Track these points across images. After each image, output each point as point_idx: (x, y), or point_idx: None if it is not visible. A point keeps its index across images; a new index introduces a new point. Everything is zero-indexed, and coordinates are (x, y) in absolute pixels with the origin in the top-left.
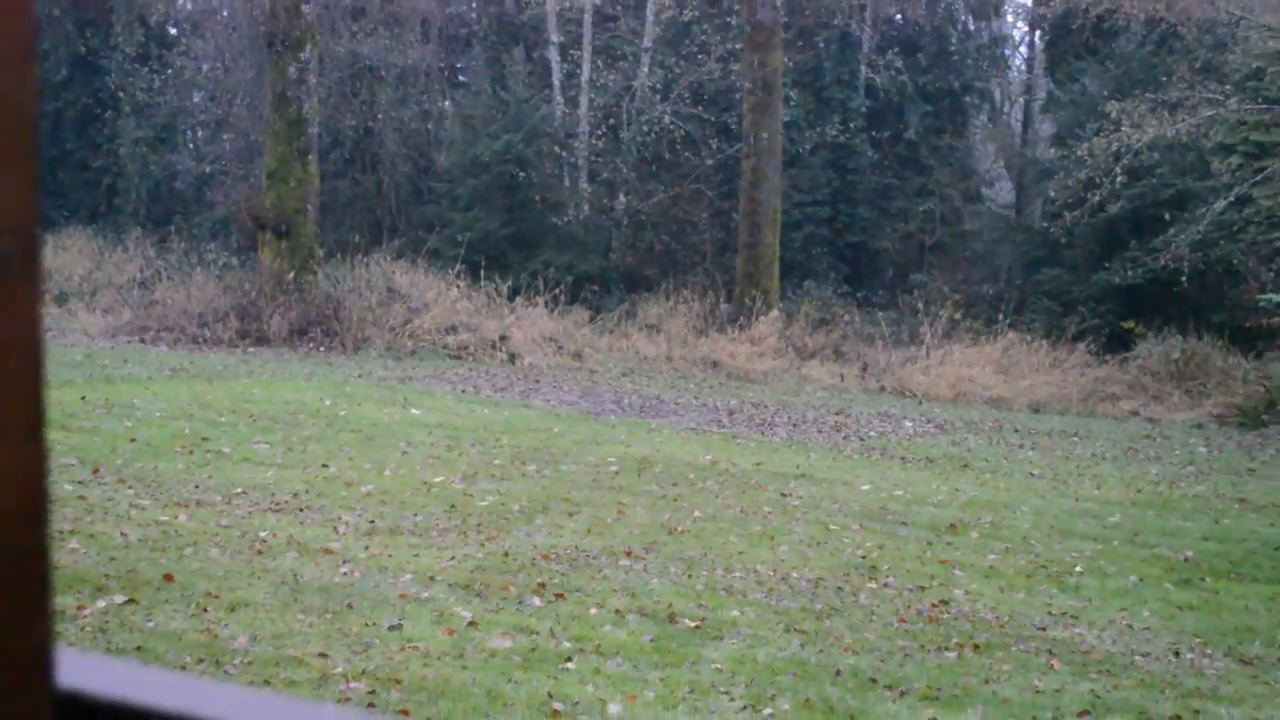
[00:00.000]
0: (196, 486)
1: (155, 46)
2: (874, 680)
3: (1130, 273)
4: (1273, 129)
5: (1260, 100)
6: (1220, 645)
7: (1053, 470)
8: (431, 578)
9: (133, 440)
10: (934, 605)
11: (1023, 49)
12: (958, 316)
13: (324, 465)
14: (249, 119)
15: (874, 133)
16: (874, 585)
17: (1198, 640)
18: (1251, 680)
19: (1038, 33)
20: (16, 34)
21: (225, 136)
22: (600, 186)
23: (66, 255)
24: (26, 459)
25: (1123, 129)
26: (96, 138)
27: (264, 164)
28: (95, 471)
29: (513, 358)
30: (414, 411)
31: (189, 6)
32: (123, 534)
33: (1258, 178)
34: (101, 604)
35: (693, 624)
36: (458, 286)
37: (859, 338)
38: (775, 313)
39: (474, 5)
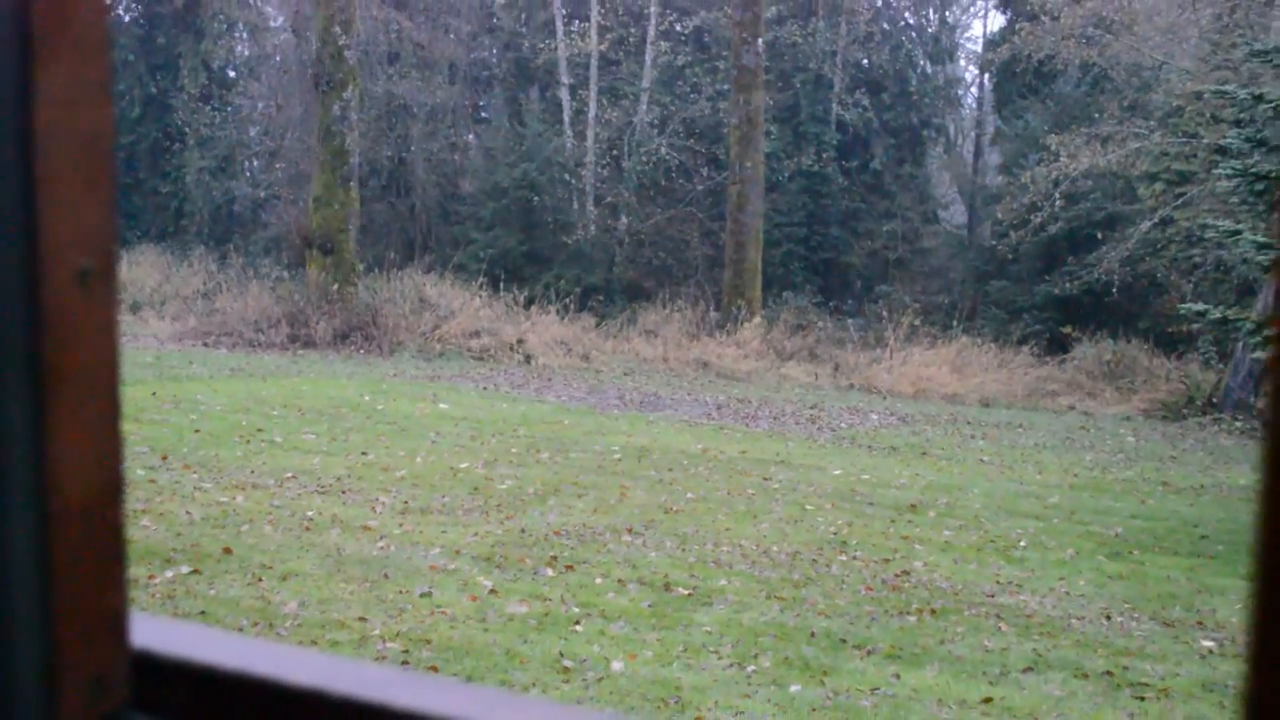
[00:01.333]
0: (252, 471)
1: (217, 87)
2: (844, 641)
3: (1068, 285)
4: (1191, 159)
5: (1180, 134)
6: (1146, 610)
7: (1000, 457)
8: (457, 551)
9: (197, 431)
10: (896, 575)
11: (973, 89)
12: (917, 323)
13: (363, 453)
14: (298, 150)
15: (844, 162)
16: (844, 558)
17: (1126, 605)
18: (1173, 640)
19: (986, 75)
20: (95, 77)
21: (278, 166)
22: (605, 209)
23: (139, 269)
24: (105, 447)
25: (1061, 159)
26: (166, 167)
27: (311, 190)
28: (164, 458)
29: (528, 359)
30: (442, 406)
31: (246, 52)
32: (188, 513)
33: (1178, 202)
34: (170, 574)
35: (686, 592)
36: (480, 297)
37: (831, 341)
38: (758, 320)
39: (494, 51)
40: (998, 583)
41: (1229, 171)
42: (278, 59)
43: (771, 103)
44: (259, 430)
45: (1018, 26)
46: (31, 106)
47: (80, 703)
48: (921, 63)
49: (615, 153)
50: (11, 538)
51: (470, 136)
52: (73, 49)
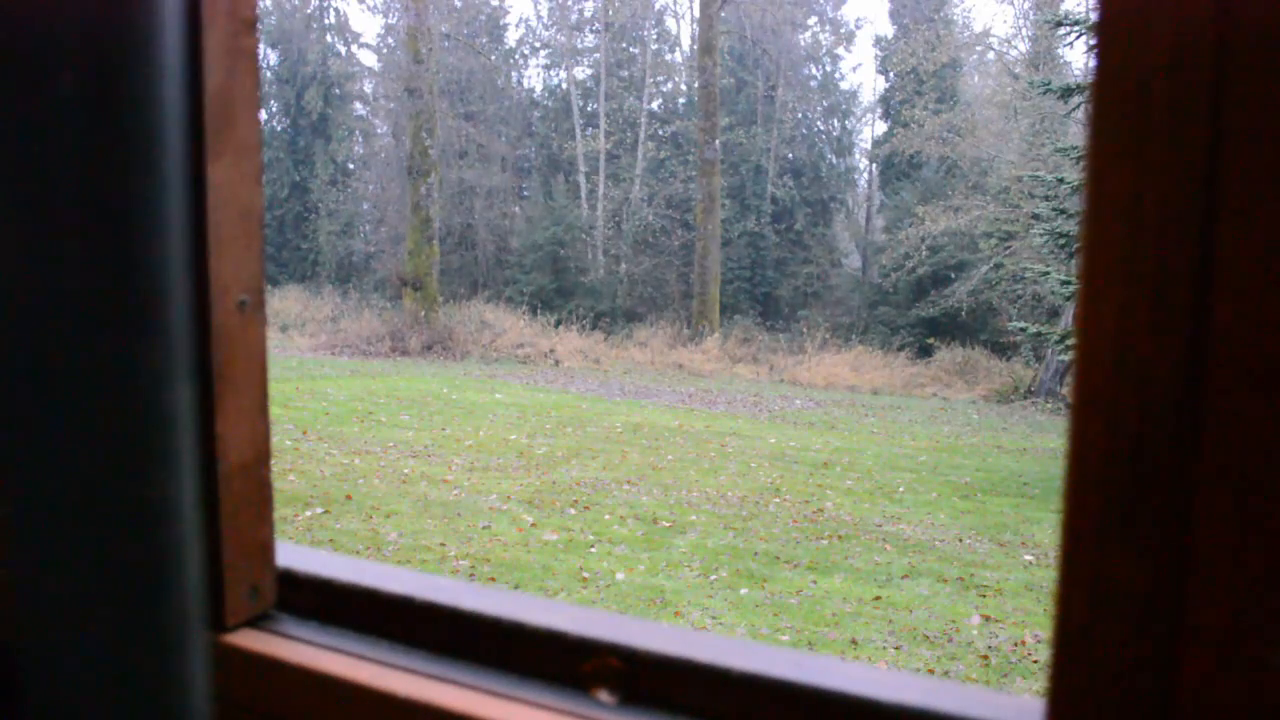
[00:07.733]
0: (365, 442)
1: (340, 175)
2: (777, 558)
3: (931, 309)
4: (1015, 223)
5: (1008, 206)
6: (986, 535)
7: (885, 429)
8: (508, 497)
9: (327, 414)
10: (813, 512)
11: (865, 174)
12: (827, 336)
13: (443, 429)
14: (396, 219)
15: (775, 225)
16: (777, 500)
17: (972, 531)
18: (1005, 555)
19: (874, 164)
20: (250, 169)
21: (382, 230)
22: (610, 258)
23: (286, 301)
24: (256, 426)
25: (925, 223)
26: (305, 231)
27: (406, 246)
28: (304, 433)
29: (557, 362)
30: (497, 395)
31: (360, 151)
32: (320, 471)
33: (1006, 252)
34: (308, 513)
35: (668, 524)
36: (523, 319)
37: (767, 349)
38: (716, 335)
39: (532, 149)
40: (884, 516)
41: (1041, 232)
42: (382, 155)
43: (725, 184)
44: (370, 413)
45: (895, 131)
46: (204, 189)
47: (242, 604)
48: (829, 156)
49: (617, 219)
50: (190, 491)
51: (516, 209)
52: (234, 149)
